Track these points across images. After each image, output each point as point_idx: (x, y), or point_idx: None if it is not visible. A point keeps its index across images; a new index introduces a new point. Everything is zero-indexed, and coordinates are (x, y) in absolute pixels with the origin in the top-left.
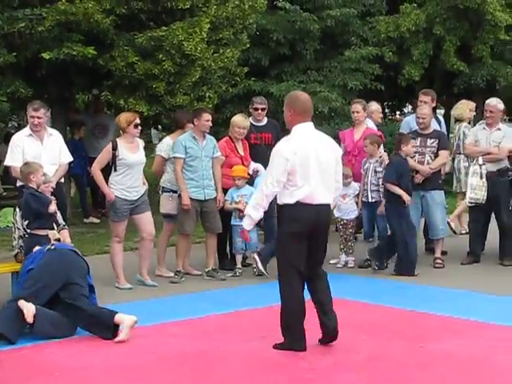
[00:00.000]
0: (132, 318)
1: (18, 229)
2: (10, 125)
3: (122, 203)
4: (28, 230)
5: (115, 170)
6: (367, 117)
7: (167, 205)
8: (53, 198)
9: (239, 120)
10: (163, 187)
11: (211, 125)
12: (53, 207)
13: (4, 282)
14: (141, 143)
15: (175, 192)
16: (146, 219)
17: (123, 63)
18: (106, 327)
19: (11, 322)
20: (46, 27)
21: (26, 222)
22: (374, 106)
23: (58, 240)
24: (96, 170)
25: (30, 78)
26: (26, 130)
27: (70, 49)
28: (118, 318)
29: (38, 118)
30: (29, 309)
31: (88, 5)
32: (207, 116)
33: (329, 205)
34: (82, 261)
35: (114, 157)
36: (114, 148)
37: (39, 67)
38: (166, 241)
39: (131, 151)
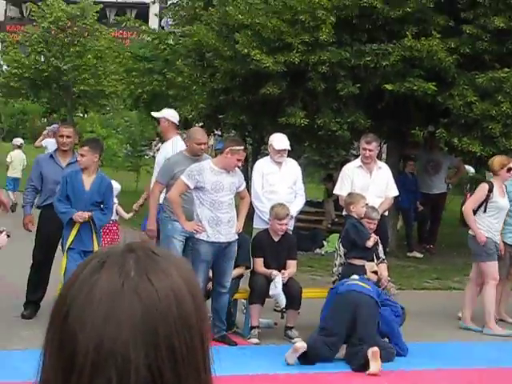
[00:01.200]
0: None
1: (340, 256)
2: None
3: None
4: (346, 259)
5: (484, 211)
6: None
7: None
8: (373, 235)
9: None
10: None
11: None
12: (371, 243)
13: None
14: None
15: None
16: None
17: (461, 102)
18: None
19: None
20: (391, 62)
21: (345, 251)
22: None
23: (376, 273)
24: (468, 209)
25: (370, 109)
26: (357, 162)
27: (411, 83)
28: None
29: (370, 150)
30: None
31: (433, 42)
32: None
33: None
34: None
35: (488, 198)
36: (490, 190)
37: (380, 100)
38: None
39: (501, 195)
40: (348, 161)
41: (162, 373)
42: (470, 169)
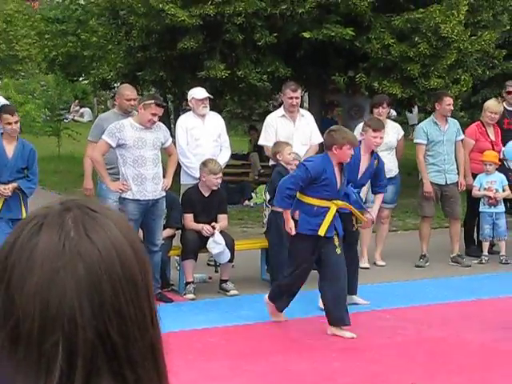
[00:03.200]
0: None
1: (268, 206)
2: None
3: None
4: (271, 206)
5: None
6: None
7: None
8: None
9: (492, 104)
10: None
11: (452, 108)
12: None
13: (256, 258)
14: None
15: None
16: None
17: (379, 45)
18: None
19: None
20: (306, 9)
21: (269, 198)
22: None
23: None
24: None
25: (289, 58)
26: (280, 111)
27: (329, 30)
28: None
29: (297, 98)
30: None
31: None
32: (449, 100)
33: None
34: None
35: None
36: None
37: (299, 48)
38: None
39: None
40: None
41: (110, 333)
42: (393, 112)
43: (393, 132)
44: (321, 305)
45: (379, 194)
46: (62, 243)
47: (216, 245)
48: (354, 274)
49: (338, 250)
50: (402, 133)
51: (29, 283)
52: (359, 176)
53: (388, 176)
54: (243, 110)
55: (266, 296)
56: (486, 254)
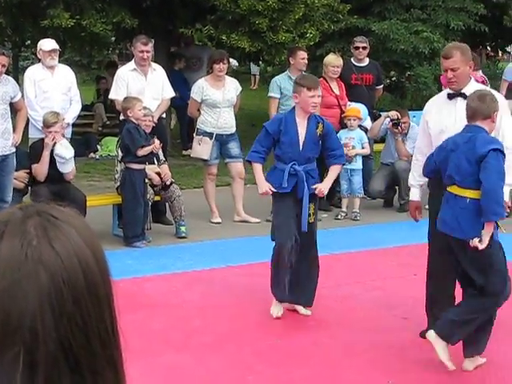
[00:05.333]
0: None
1: (119, 162)
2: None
3: None
4: (124, 163)
5: None
6: None
7: (196, 148)
8: (156, 142)
9: (332, 59)
10: (197, 129)
11: (307, 62)
12: (141, 153)
13: (107, 212)
14: None
15: (209, 134)
16: None
17: None
18: None
19: None
20: None
21: (121, 155)
22: None
23: (158, 174)
24: None
25: (135, 8)
26: (131, 65)
27: None
28: None
29: (147, 52)
30: None
31: None
32: (302, 54)
33: None
34: None
35: None
36: None
37: None
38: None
39: None
40: (113, 61)
41: (72, 345)
42: (234, 61)
43: (233, 88)
44: None
45: (334, 165)
46: (24, 252)
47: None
48: (312, 281)
49: (311, 219)
50: (240, 88)
51: None
52: (300, 147)
53: (230, 132)
54: (82, 57)
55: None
56: (344, 209)
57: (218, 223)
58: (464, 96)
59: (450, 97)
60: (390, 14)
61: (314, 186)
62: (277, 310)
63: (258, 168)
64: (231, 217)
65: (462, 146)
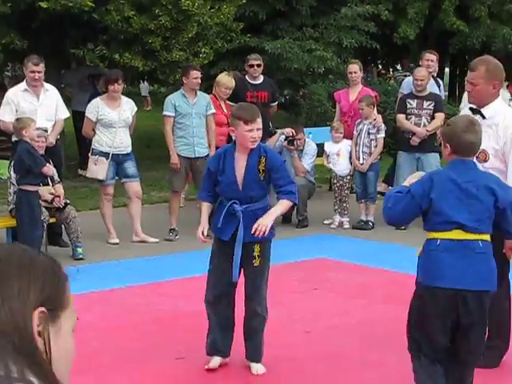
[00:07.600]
0: None
1: (13, 184)
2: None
3: None
4: (18, 185)
5: None
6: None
7: (92, 168)
8: (49, 165)
9: (226, 80)
10: (93, 149)
11: (200, 82)
12: (49, 171)
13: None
14: None
15: (105, 154)
16: None
17: (119, 17)
18: None
19: None
20: None
21: (17, 177)
22: None
23: (53, 195)
24: None
25: (24, 29)
26: (22, 85)
27: (67, 0)
28: None
29: (39, 72)
30: None
31: None
32: (196, 74)
33: None
34: None
35: None
36: None
37: (34, 19)
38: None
39: None
40: (1, 84)
41: None
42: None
43: (128, 108)
44: None
45: (284, 200)
46: None
47: None
48: (257, 331)
49: (256, 262)
50: (136, 109)
51: None
52: (240, 187)
53: (126, 152)
54: None
55: None
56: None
57: (116, 244)
58: (483, 116)
59: (472, 111)
60: (282, 33)
61: (255, 226)
62: (213, 362)
63: (204, 207)
64: (129, 237)
65: None
